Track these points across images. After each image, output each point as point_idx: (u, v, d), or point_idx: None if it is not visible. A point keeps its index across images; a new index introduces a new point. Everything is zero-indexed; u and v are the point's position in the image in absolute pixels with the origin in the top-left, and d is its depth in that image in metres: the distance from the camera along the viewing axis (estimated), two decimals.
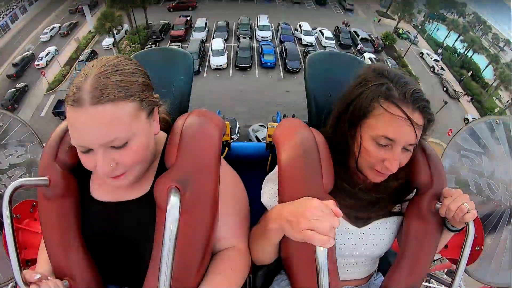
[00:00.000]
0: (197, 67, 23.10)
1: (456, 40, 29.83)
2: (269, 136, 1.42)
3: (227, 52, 25.26)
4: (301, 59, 24.60)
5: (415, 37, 31.00)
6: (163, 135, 1.11)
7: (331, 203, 0.87)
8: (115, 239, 1.01)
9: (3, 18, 28.65)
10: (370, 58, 24.73)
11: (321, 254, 0.81)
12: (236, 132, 16.76)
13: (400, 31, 31.60)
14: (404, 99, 0.96)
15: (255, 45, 26.97)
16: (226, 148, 1.47)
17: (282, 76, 24.02)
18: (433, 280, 1.29)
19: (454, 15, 32.80)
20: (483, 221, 1.49)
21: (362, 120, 1.01)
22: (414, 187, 1.13)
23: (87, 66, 0.88)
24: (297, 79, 22.80)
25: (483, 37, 30.48)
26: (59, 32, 28.78)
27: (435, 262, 1.65)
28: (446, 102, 20.28)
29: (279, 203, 1.03)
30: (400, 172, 1.09)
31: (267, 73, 24.32)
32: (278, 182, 1.05)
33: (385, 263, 1.28)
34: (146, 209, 0.99)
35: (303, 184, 1.00)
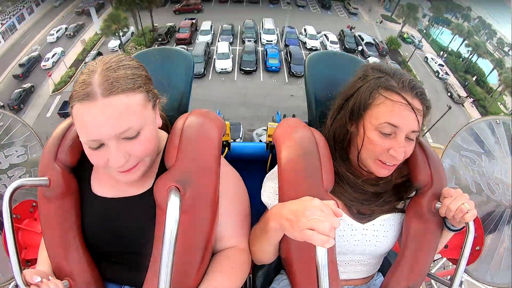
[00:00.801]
0: (202, 70, 23.21)
1: (460, 45, 29.76)
2: (269, 136, 1.42)
3: (232, 55, 25.31)
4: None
5: (420, 41, 30.92)
6: (164, 134, 1.12)
7: (332, 203, 0.88)
8: (115, 235, 1.01)
9: (10, 18, 29.01)
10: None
11: (321, 254, 0.81)
12: (240, 136, 16.73)
13: (405, 36, 31.63)
14: (403, 87, 0.99)
15: (260, 48, 27.00)
16: (226, 148, 1.47)
17: (287, 80, 24.03)
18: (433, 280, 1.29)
19: (459, 19, 32.73)
20: (483, 221, 1.48)
21: (363, 112, 1.03)
22: (414, 187, 1.12)
23: (90, 64, 0.89)
24: (302, 83, 22.31)
25: (488, 41, 30.37)
26: (66, 33, 29.14)
27: (435, 262, 1.64)
28: (450, 107, 20.01)
29: (279, 202, 1.03)
30: (403, 168, 1.11)
31: (271, 77, 24.29)
32: (278, 182, 1.05)
33: (385, 263, 1.27)
34: (147, 206, 0.99)
35: (303, 183, 1.00)
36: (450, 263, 1.54)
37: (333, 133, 1.13)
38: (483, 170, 1.53)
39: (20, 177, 1.49)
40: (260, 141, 15.70)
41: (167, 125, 1.14)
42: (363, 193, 1.12)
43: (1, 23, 28.46)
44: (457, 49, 29.80)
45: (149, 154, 0.95)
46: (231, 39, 27.92)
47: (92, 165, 1.08)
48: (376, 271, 1.25)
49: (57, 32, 28.69)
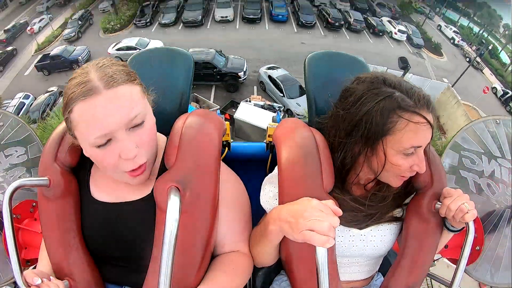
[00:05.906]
0: (200, 17, 21.37)
1: (468, 24, 28.92)
2: (269, 136, 1.42)
3: (233, 5, 23.07)
4: (315, 14, 22.26)
5: (430, 11, 29.17)
6: (163, 138, 1.12)
7: (330, 203, 0.87)
8: (115, 240, 1.01)
9: None
10: (389, 21, 23.36)
11: (321, 254, 0.80)
12: (244, 70, 15.57)
13: (415, 5, 30.09)
14: (419, 104, 0.94)
15: (264, 4, 24.06)
16: (226, 148, 1.47)
17: (296, 30, 21.81)
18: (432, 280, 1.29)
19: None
20: (483, 221, 1.48)
21: (382, 138, 0.97)
22: (414, 187, 1.12)
23: (80, 69, 0.90)
24: (313, 33, 20.98)
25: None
26: (56, 1, 26.74)
27: (435, 262, 1.65)
28: (470, 63, 20.19)
29: (279, 203, 1.02)
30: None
31: (278, 27, 21.84)
32: (278, 182, 1.04)
33: (385, 263, 1.27)
34: (147, 211, 0.99)
35: (303, 184, 0.99)
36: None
37: (341, 159, 1.07)
38: (483, 170, 1.52)
39: (20, 177, 1.48)
40: (270, 76, 14.92)
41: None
42: (359, 214, 1.10)
43: None
44: (467, 25, 28.58)
45: (154, 146, 0.97)
46: None
47: (90, 169, 1.09)
48: (376, 270, 1.25)
49: (47, 1, 26.50)
